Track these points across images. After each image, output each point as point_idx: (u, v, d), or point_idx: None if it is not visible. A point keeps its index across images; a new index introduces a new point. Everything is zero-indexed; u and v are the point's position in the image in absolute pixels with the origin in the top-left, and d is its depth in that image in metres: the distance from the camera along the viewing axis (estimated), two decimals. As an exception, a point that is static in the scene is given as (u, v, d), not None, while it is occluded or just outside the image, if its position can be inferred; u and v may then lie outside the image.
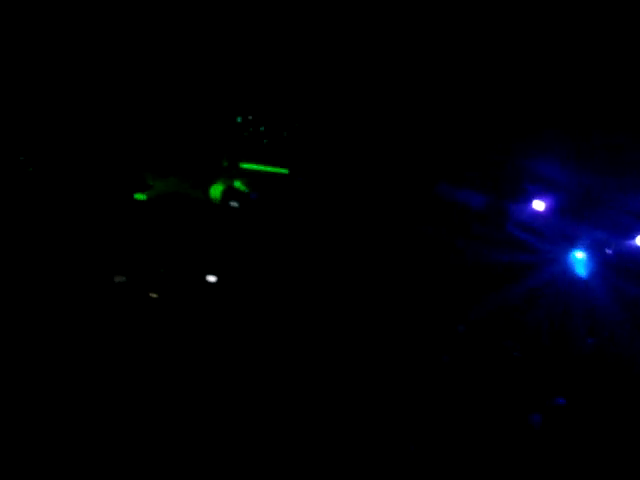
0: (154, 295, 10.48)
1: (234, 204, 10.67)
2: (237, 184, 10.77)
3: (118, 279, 10.29)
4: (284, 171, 10.53)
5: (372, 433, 8.37)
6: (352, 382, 9.32)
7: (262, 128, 10.22)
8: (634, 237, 9.83)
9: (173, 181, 10.58)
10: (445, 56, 8.83)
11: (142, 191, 10.53)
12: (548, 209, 10.24)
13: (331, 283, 10.62)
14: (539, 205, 10.26)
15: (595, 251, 10.29)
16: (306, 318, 10.20)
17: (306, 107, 10.03)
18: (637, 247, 9.83)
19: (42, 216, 9.95)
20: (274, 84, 9.70)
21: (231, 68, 9.64)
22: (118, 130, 9.99)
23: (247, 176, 10.73)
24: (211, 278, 10.71)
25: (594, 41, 8.40)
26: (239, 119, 10.13)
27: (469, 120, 9.74)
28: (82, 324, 9.43)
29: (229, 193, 10.69)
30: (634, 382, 9.51)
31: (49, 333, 9.12)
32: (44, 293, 9.62)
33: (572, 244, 10.43)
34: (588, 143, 9.58)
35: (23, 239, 9.77)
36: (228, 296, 10.53)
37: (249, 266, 10.69)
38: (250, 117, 10.20)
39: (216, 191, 10.66)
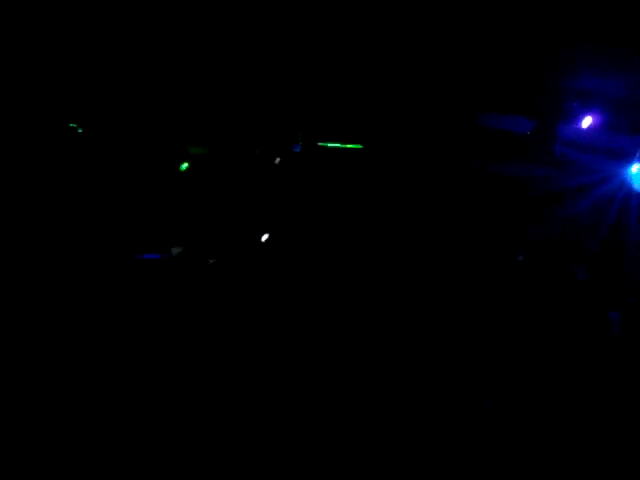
0: (212, 260, 10.71)
1: (277, 160, 10.69)
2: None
3: (175, 250, 10.57)
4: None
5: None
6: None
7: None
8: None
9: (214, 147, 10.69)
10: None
11: (186, 161, 10.72)
12: (598, 124, 9.76)
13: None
14: (588, 121, 9.79)
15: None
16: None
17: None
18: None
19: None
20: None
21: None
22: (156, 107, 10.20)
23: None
24: (264, 237, 10.83)
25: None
26: None
27: (503, 39, 9.36)
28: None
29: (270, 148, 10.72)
30: None
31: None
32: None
33: (627, 158, 9.93)
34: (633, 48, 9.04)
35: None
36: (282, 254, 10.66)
37: (297, 221, 10.74)
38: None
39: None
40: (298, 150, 10.64)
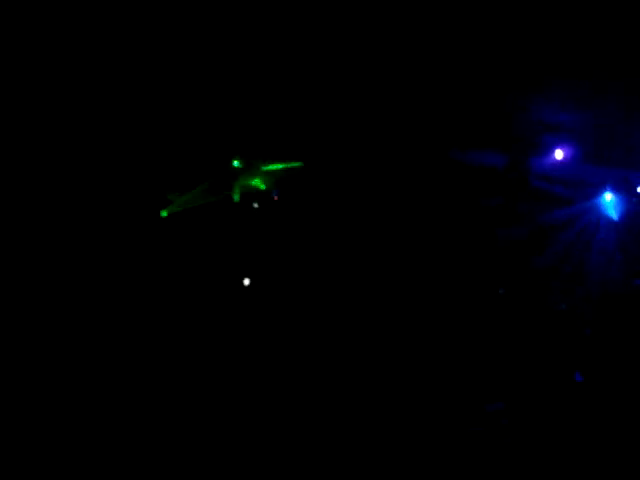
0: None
1: (255, 205, 10.78)
2: (256, 183, 10.85)
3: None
4: (297, 164, 10.59)
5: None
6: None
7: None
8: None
9: (193, 193, 10.73)
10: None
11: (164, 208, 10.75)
12: (570, 156, 9.97)
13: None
14: (560, 154, 10.00)
15: (624, 191, 9.98)
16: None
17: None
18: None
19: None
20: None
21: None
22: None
23: (266, 175, 10.83)
24: (246, 281, 10.86)
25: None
26: None
27: (475, 74, 9.58)
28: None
29: (249, 194, 10.80)
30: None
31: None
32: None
33: (599, 188, 10.12)
34: (598, 81, 9.32)
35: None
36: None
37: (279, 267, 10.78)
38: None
39: (235, 194, 10.77)
40: (276, 194, 10.78)
